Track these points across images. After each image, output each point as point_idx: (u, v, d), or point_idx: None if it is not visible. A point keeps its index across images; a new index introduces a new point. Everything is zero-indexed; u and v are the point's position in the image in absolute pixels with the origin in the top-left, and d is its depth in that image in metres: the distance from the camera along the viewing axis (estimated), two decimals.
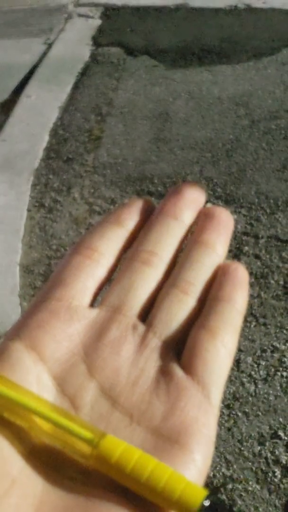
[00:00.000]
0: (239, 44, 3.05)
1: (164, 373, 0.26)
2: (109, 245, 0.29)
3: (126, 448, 0.23)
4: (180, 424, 0.24)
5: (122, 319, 0.27)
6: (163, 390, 0.25)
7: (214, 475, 1.30)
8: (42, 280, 1.81)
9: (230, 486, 1.29)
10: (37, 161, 2.31)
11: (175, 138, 2.30)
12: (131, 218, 0.30)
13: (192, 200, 0.31)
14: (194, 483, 0.23)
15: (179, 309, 0.28)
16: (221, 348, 0.26)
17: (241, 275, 0.29)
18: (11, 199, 2.12)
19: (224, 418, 1.39)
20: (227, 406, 1.41)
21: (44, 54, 3.11)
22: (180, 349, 0.27)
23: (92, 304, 0.28)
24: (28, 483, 0.22)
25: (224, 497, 1.27)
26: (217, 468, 1.31)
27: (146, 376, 0.26)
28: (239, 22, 3.29)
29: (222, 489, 1.28)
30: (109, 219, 0.30)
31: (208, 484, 1.28)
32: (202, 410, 0.25)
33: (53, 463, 0.23)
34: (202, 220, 0.30)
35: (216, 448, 1.35)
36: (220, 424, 1.38)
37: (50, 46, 3.19)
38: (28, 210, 2.09)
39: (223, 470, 1.32)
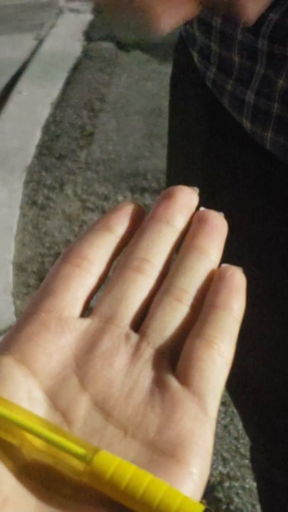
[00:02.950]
0: None
1: (158, 384, 0.25)
2: (98, 252, 0.28)
3: (120, 464, 0.22)
4: (176, 437, 0.24)
5: (115, 329, 0.26)
6: (158, 402, 0.24)
7: (211, 473, 1.30)
8: (36, 278, 1.80)
9: (227, 484, 1.29)
10: (29, 158, 2.30)
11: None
12: (120, 223, 0.29)
13: (184, 204, 0.30)
14: (190, 498, 0.22)
15: (173, 317, 0.27)
16: (217, 358, 0.26)
17: (238, 280, 0.28)
18: (3, 196, 2.11)
19: (221, 416, 1.38)
20: (223, 404, 1.40)
21: (36, 49, 3.09)
22: (175, 359, 0.26)
23: (83, 314, 0.27)
24: (20, 501, 0.22)
25: (221, 495, 1.27)
26: (214, 466, 1.31)
27: (140, 387, 0.25)
28: None
29: (219, 487, 1.28)
30: (98, 225, 0.29)
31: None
32: (198, 422, 0.24)
33: (45, 480, 0.23)
34: (195, 225, 0.29)
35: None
36: (216, 422, 1.37)
37: (41, 41, 3.17)
38: (21, 208, 2.08)
39: (220, 468, 1.31)
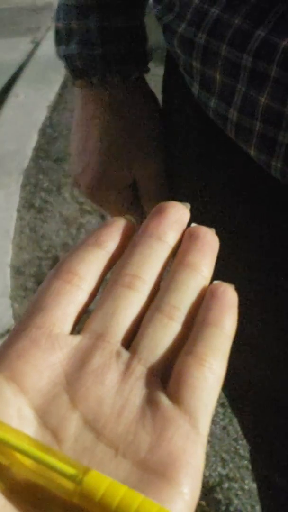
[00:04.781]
0: None
1: (150, 402, 0.25)
2: (89, 268, 0.28)
3: (111, 484, 0.22)
4: (167, 456, 0.23)
5: (106, 346, 0.26)
6: (149, 420, 0.24)
7: (210, 475, 1.30)
8: (33, 281, 1.80)
9: (226, 485, 1.29)
10: (26, 161, 2.30)
11: None
12: (111, 239, 0.29)
13: (175, 220, 0.29)
14: None
15: (164, 334, 0.27)
16: (209, 375, 0.25)
17: (229, 297, 0.28)
18: (0, 200, 2.11)
19: (219, 417, 1.39)
20: (222, 405, 1.40)
21: (32, 53, 3.09)
22: (166, 377, 0.26)
23: (74, 331, 0.27)
24: None
25: (220, 496, 1.27)
26: (213, 467, 1.31)
27: (131, 405, 0.25)
28: None
29: (218, 488, 1.28)
30: (89, 241, 0.29)
31: (204, 483, 1.28)
32: (189, 440, 0.24)
33: (36, 500, 0.22)
34: (186, 241, 0.29)
35: (211, 447, 1.35)
36: (215, 423, 1.37)
37: (37, 44, 3.17)
38: (18, 211, 2.08)
39: (219, 469, 1.31)
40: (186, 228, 0.30)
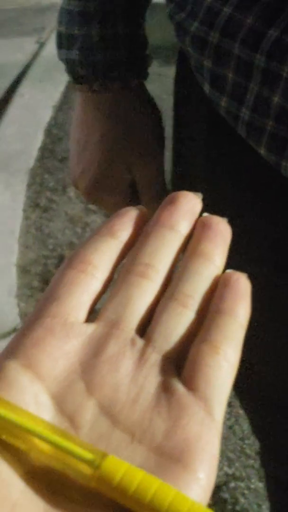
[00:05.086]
0: None
1: (165, 389, 0.25)
2: (103, 257, 0.28)
3: (128, 469, 0.22)
4: (183, 442, 0.24)
5: (120, 334, 0.26)
6: (164, 407, 0.24)
7: (216, 474, 1.30)
8: (39, 280, 1.81)
9: (232, 484, 1.29)
10: (32, 161, 2.31)
11: (169, 136, 2.29)
12: (124, 229, 0.29)
13: (188, 210, 0.30)
14: (199, 503, 0.22)
15: (178, 322, 0.27)
16: (223, 363, 0.26)
17: (243, 286, 0.28)
18: (6, 199, 2.11)
19: (226, 416, 1.38)
20: (228, 405, 1.40)
21: (37, 53, 3.09)
22: (180, 364, 0.26)
23: (88, 319, 0.27)
24: (29, 506, 0.22)
25: (226, 495, 1.27)
26: (219, 467, 1.31)
27: (147, 392, 0.25)
28: None
29: (224, 488, 1.28)
30: (102, 231, 0.29)
31: None
32: (205, 427, 0.24)
33: (54, 484, 0.23)
34: (199, 231, 0.29)
35: None
36: None
37: (42, 45, 3.17)
38: (24, 210, 2.08)
39: (225, 468, 1.31)
40: (198, 218, 0.30)
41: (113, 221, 0.29)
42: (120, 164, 0.64)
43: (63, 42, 0.63)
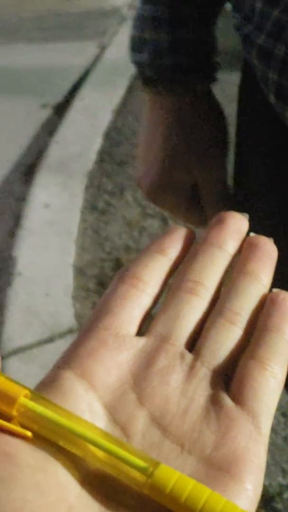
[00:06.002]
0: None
1: (213, 402, 0.26)
2: (153, 274, 0.29)
3: (180, 478, 0.23)
4: (232, 453, 0.24)
5: (170, 348, 0.27)
6: (213, 420, 0.25)
7: (270, 484, 1.28)
8: (95, 282, 1.82)
9: (286, 495, 1.27)
10: (90, 164, 2.33)
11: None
12: (173, 246, 0.31)
13: (235, 230, 0.31)
14: None
15: (226, 338, 0.28)
16: (271, 379, 0.26)
17: None
18: (65, 201, 2.14)
19: (281, 427, 1.37)
20: (283, 415, 1.38)
21: (98, 57, 3.13)
22: (228, 379, 0.27)
23: (139, 333, 0.28)
24: (84, 509, 0.23)
25: (280, 506, 1.25)
26: (273, 477, 1.29)
27: (196, 405, 0.26)
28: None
29: (278, 498, 1.26)
30: (152, 248, 0.30)
31: (264, 493, 1.26)
32: (252, 440, 0.25)
33: (108, 490, 0.24)
34: (246, 250, 0.31)
35: (272, 456, 1.33)
36: (276, 432, 1.36)
37: (104, 49, 3.21)
38: (81, 212, 2.10)
39: (279, 479, 1.30)
40: (245, 237, 0.31)
41: (163, 239, 0.31)
42: (180, 167, 0.65)
43: (135, 46, 0.66)
